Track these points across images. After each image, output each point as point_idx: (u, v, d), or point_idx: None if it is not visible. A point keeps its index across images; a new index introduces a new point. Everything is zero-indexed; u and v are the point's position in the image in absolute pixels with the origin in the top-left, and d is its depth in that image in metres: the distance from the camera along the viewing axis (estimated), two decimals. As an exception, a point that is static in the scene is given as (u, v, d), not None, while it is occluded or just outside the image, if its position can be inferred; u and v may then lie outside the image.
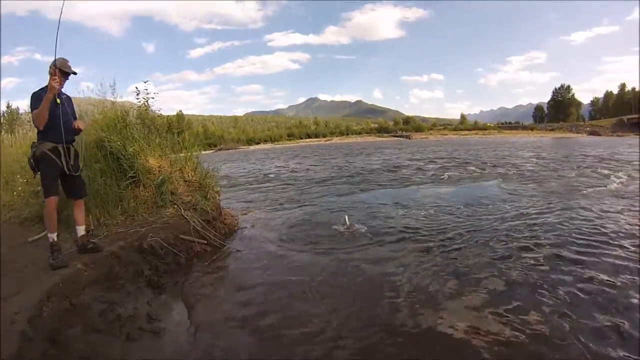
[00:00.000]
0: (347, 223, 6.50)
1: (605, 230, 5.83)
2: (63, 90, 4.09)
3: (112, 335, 3.22)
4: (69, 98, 4.30)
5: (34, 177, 4.82)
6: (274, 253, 5.46)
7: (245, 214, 7.83)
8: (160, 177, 6.45)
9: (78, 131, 4.12)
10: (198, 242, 5.40)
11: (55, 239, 3.93)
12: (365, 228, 6.40)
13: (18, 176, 6.55)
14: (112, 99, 7.38)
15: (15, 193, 6.34)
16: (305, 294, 4.07)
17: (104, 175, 5.96)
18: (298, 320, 3.53)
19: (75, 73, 4.06)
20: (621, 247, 5.02)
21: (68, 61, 3.92)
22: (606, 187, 9.81)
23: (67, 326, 3.12)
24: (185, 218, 5.72)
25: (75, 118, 4.27)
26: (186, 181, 6.96)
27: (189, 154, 7.45)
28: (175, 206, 6.08)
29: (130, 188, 6.14)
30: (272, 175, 16.71)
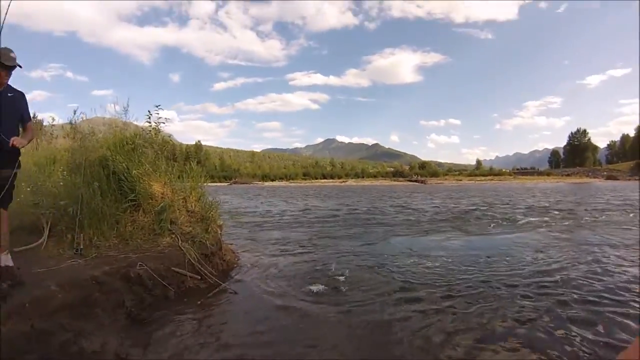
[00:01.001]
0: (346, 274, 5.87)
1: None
2: (14, 86, 3.53)
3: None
4: (19, 96, 3.61)
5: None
6: (271, 302, 4.76)
7: (248, 252, 7.29)
8: (162, 204, 6.12)
9: (12, 147, 3.29)
10: (191, 277, 4.89)
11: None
12: (370, 277, 5.88)
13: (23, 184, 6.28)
14: (123, 120, 7.22)
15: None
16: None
17: (104, 195, 5.65)
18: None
19: (20, 66, 3.37)
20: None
21: (12, 52, 3.32)
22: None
23: (22, 352, 2.65)
24: (182, 249, 5.29)
25: (24, 119, 3.67)
26: (188, 211, 6.59)
27: (195, 183, 7.16)
28: (174, 236, 5.65)
29: (129, 212, 5.77)
30: (283, 214, 16.03)
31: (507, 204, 20.38)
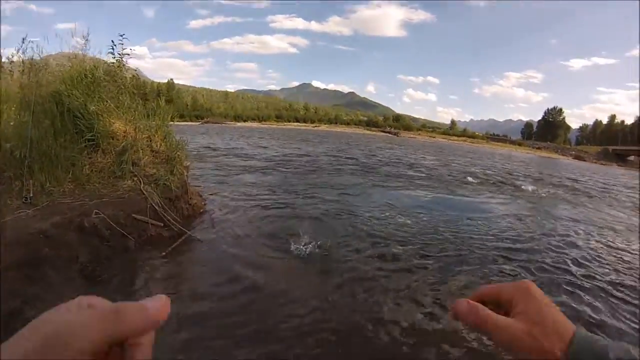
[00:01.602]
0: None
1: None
2: None
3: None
4: None
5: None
6: (238, 253, 4.61)
7: (215, 195, 7.03)
8: (123, 144, 5.74)
9: None
10: (153, 225, 4.66)
11: None
12: (343, 229, 5.85)
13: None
14: (84, 53, 6.50)
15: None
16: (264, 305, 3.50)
17: (57, 135, 5.19)
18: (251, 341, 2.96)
19: None
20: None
21: None
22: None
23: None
24: (144, 193, 5.02)
25: None
26: (153, 151, 6.23)
27: (162, 121, 6.72)
28: (135, 179, 5.35)
29: (86, 153, 5.37)
30: (254, 157, 15.36)
31: (487, 168, 20.31)
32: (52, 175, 4.74)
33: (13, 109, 5.69)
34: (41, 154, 4.77)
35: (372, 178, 11.52)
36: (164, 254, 4.26)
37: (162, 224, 4.81)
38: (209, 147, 16.84)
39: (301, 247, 4.83)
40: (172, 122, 7.12)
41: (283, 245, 4.93)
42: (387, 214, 7.06)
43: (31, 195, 4.26)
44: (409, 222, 6.60)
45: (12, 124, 5.27)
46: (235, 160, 13.64)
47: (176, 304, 3.38)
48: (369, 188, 9.78)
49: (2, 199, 4.03)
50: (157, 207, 4.91)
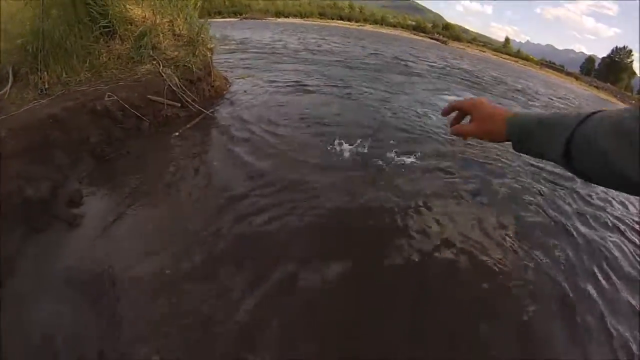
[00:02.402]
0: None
1: None
2: None
3: (12, 222, 2.51)
4: None
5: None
6: (259, 134, 4.34)
7: (243, 79, 6.64)
8: (142, 28, 5.44)
9: None
10: (169, 105, 4.51)
11: None
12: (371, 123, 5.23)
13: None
14: None
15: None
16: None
17: (70, 25, 5.01)
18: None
19: None
20: None
21: None
22: None
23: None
24: (162, 75, 4.81)
25: None
26: (175, 35, 5.90)
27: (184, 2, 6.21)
28: (155, 62, 5.15)
29: (103, 41, 5.20)
30: (291, 49, 13.39)
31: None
32: (68, 65, 4.64)
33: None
34: (55, 46, 4.65)
35: (416, 80, 10.16)
36: (177, 133, 4.13)
37: (180, 105, 4.63)
38: (245, 42, 15.69)
39: (334, 144, 4.41)
40: (209, 20, 6.55)
41: (310, 134, 4.57)
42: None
43: (46, 86, 4.23)
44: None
45: (19, 17, 5.15)
46: (270, 52, 12.27)
47: (182, 182, 3.30)
48: (412, 87, 8.68)
49: (20, 94, 4.06)
50: (175, 89, 4.71)
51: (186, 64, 5.18)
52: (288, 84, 6.69)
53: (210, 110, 4.82)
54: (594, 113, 0.61)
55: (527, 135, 0.73)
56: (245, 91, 5.85)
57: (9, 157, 2.97)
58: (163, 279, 2.25)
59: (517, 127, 0.75)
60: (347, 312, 2.20)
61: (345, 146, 4.31)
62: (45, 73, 4.39)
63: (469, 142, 4.82)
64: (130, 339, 1.90)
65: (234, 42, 13.43)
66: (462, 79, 12.77)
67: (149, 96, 4.41)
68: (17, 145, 3.11)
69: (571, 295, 2.75)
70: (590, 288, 2.90)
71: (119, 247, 2.44)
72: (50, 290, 2.11)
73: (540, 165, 5.14)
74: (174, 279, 2.26)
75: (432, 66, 14.84)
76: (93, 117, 3.83)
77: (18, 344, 1.82)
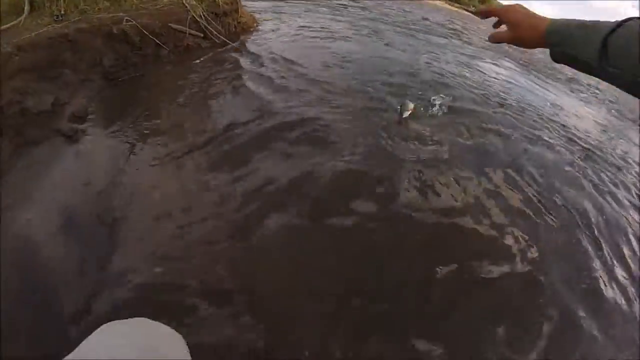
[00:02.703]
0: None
1: None
2: None
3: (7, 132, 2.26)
4: None
5: None
6: (280, 72, 3.83)
7: (272, 21, 6.06)
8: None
9: None
10: (191, 35, 4.17)
11: None
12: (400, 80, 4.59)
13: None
14: None
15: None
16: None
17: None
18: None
19: None
20: None
21: None
22: None
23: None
24: (186, 5, 4.47)
25: None
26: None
27: None
28: (178, -7, 4.80)
29: (125, -30, 4.88)
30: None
31: None
32: (89, -6, 4.37)
33: None
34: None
35: (456, 42, 9.04)
36: (198, 61, 3.80)
37: (202, 35, 4.28)
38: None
39: (367, 86, 3.93)
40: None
41: (336, 75, 4.08)
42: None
43: (62, 12, 3.97)
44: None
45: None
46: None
47: (194, 106, 2.97)
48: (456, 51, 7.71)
49: (35, 22, 3.80)
50: (198, 19, 4.35)
51: (211, -4, 4.79)
52: (322, 30, 6.13)
53: (235, 44, 4.43)
54: (630, 18, 0.64)
55: (566, 37, 0.72)
56: (273, 30, 5.38)
57: (13, 75, 2.73)
58: (166, 201, 1.94)
59: (558, 29, 0.75)
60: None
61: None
62: (62, 0, 4.12)
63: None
64: (129, 259, 1.61)
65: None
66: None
67: (170, 24, 4.07)
68: (23, 62, 2.85)
69: None
70: None
71: (119, 164, 2.15)
72: (35, 204, 1.84)
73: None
74: (178, 200, 1.95)
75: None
76: (108, 40, 3.54)
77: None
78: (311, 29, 5.89)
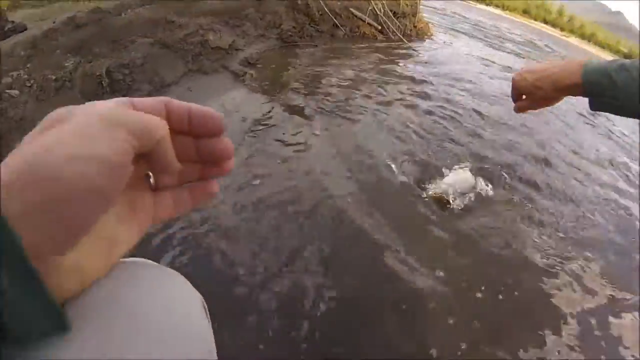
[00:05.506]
0: None
1: None
2: None
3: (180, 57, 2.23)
4: None
5: None
6: (450, 92, 3.18)
7: (446, 34, 5.60)
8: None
9: None
10: (369, 24, 3.89)
11: None
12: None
13: None
14: None
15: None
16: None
17: None
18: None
19: None
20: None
21: None
22: None
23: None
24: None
25: None
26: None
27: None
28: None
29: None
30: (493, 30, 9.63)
31: None
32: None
33: None
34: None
35: None
36: (370, 50, 3.48)
37: (379, 28, 3.97)
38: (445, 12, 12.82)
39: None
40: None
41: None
42: None
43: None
44: None
45: None
46: (473, 24, 9.20)
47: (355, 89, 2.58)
48: None
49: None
50: (378, 12, 4.06)
51: (393, -3, 4.48)
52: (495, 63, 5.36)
53: (409, 45, 4.03)
54: None
55: (607, 82, 0.60)
56: (446, 43, 4.89)
57: (200, 13, 2.74)
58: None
59: (594, 74, 0.62)
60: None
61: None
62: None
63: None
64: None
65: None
66: None
67: (351, 9, 3.82)
68: (213, 6, 2.86)
69: None
70: None
71: (279, 114, 1.85)
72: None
73: None
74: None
75: None
76: (291, 9, 3.43)
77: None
78: (485, 59, 5.20)
